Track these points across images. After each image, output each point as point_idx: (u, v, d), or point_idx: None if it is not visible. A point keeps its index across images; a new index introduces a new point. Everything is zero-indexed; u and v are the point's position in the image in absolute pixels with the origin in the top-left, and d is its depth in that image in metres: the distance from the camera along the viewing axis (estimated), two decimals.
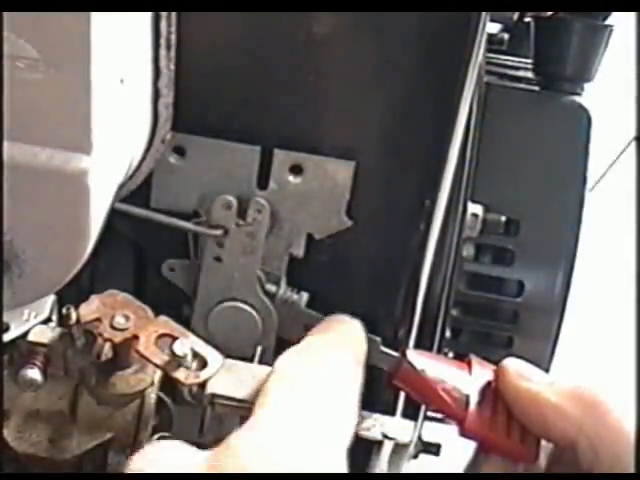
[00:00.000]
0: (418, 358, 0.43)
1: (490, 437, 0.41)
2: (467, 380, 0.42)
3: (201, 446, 0.33)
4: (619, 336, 1.60)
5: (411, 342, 0.56)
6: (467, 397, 0.41)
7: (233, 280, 0.51)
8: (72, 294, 0.47)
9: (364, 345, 0.42)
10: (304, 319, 0.51)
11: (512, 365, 0.42)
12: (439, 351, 0.65)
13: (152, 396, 0.50)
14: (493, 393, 0.42)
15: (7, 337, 0.48)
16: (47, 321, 0.50)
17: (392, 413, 0.57)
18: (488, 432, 0.41)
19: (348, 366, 0.40)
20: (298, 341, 0.40)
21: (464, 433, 0.42)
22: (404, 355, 0.43)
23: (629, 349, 1.41)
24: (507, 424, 0.41)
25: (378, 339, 0.48)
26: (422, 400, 0.44)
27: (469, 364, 0.43)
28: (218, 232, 0.49)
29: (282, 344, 0.51)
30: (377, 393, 0.56)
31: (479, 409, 0.41)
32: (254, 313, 0.52)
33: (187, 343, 0.43)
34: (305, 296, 0.51)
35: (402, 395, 0.59)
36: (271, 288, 0.51)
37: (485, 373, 0.42)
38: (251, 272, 0.50)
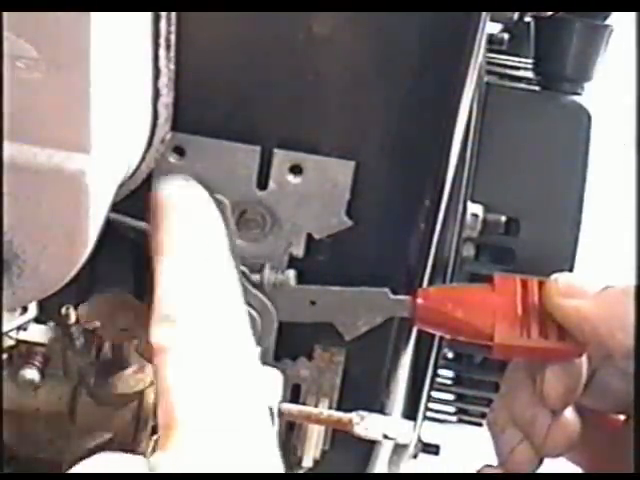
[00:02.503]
0: (431, 294, 0.43)
1: (525, 344, 0.40)
2: (490, 297, 0.41)
3: None
4: None
5: (412, 338, 0.56)
6: (493, 313, 0.40)
7: None
8: (72, 294, 0.47)
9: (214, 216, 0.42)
10: (300, 295, 0.50)
11: (560, 282, 0.41)
12: (439, 351, 0.65)
13: (151, 396, 0.50)
14: (522, 302, 0.41)
15: None
16: (45, 321, 0.50)
17: (391, 413, 0.57)
18: (521, 340, 0.40)
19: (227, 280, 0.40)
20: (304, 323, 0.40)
21: (497, 349, 0.41)
22: (416, 296, 0.43)
23: None
24: (542, 329, 0.40)
25: (386, 290, 0.47)
26: (449, 333, 0.44)
27: (491, 281, 0.42)
28: None
29: (289, 328, 0.51)
30: (377, 393, 0.56)
31: (509, 321, 0.40)
32: (252, 312, 0.52)
33: None
34: (292, 273, 0.51)
35: (401, 395, 0.59)
36: (256, 277, 0.51)
37: (509, 284, 0.42)
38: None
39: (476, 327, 0.41)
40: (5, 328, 0.48)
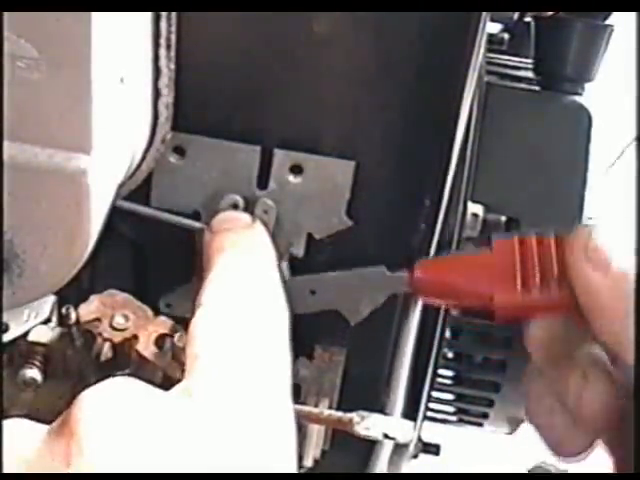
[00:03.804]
0: (429, 265, 0.43)
1: (525, 302, 0.40)
2: (488, 260, 0.41)
3: None
4: None
5: (412, 338, 0.56)
6: (491, 276, 0.40)
7: None
8: (72, 294, 0.47)
9: (272, 249, 0.44)
10: (298, 286, 0.50)
11: (583, 241, 0.39)
12: (439, 351, 0.65)
13: None
14: (521, 260, 0.40)
15: (7, 337, 0.48)
16: (47, 321, 0.50)
17: (391, 413, 0.57)
18: (521, 298, 0.39)
19: (272, 285, 0.41)
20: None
21: (498, 311, 0.40)
22: (413, 270, 0.43)
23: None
24: (543, 283, 0.39)
25: (383, 267, 0.48)
26: (450, 302, 0.44)
27: (489, 243, 0.42)
28: None
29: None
30: (377, 393, 0.56)
31: (508, 281, 0.40)
32: None
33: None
34: (284, 265, 0.51)
35: (401, 395, 0.59)
36: None
37: (507, 245, 0.41)
38: None
39: (475, 292, 0.41)
40: (19, 331, 0.48)
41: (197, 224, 0.48)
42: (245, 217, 0.47)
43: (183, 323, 0.46)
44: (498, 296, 0.40)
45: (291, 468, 0.33)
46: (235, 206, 0.48)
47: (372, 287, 0.48)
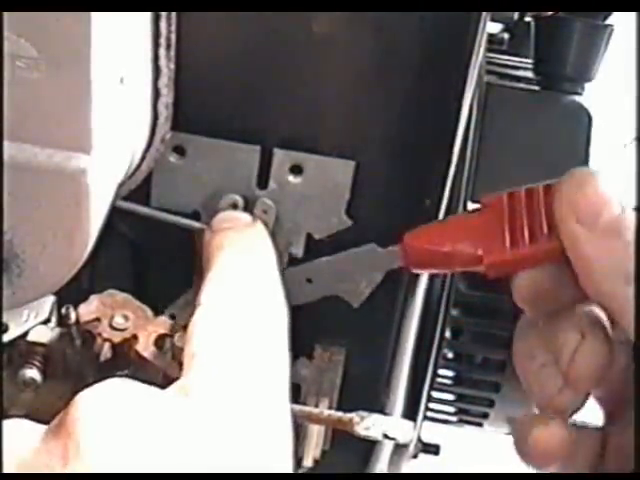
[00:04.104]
0: (418, 235, 0.42)
1: (514, 256, 0.39)
2: (476, 220, 0.40)
3: None
4: None
5: (412, 338, 0.56)
6: (479, 236, 0.39)
7: None
8: (72, 294, 0.47)
9: (272, 248, 0.44)
10: (294, 277, 0.50)
11: (572, 193, 0.37)
12: (439, 351, 0.65)
13: None
14: (509, 215, 0.39)
15: (6, 337, 0.48)
16: (46, 321, 0.50)
17: (391, 413, 0.57)
18: (510, 253, 0.39)
19: (271, 284, 0.41)
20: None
21: (488, 269, 0.39)
22: (403, 241, 0.43)
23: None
24: (531, 234, 0.39)
25: (373, 244, 0.48)
26: (443, 269, 0.44)
27: (481, 202, 0.41)
28: None
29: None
30: (377, 393, 0.56)
31: (496, 238, 0.39)
32: None
33: None
34: (283, 258, 0.51)
35: (401, 395, 0.59)
36: None
37: (496, 202, 0.40)
38: None
39: (465, 254, 0.40)
40: (19, 331, 0.48)
41: (196, 224, 0.48)
42: (245, 216, 0.47)
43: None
44: (487, 256, 0.39)
45: (287, 467, 0.33)
46: (235, 206, 0.48)
47: (368, 266, 0.48)
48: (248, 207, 0.49)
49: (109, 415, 0.31)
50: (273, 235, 0.49)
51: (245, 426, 0.33)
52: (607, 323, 0.40)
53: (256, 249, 0.44)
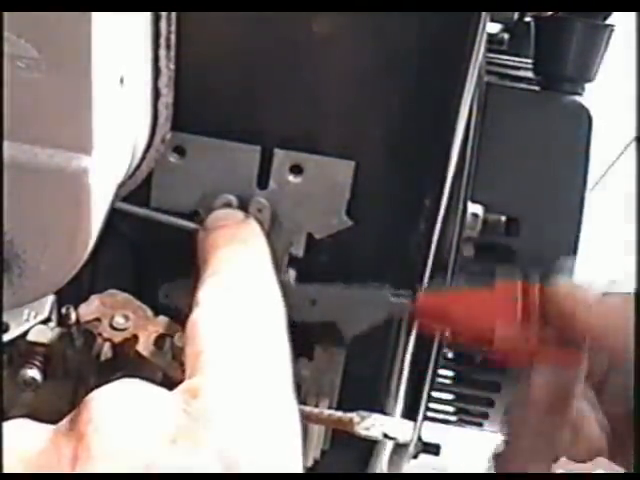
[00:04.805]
0: (432, 297, 0.43)
1: (524, 349, 0.40)
2: (491, 300, 0.42)
3: None
4: None
5: (412, 338, 0.56)
6: (492, 317, 0.41)
7: None
8: (72, 294, 0.47)
9: (266, 244, 0.45)
10: (300, 294, 0.50)
11: (562, 290, 0.42)
12: (439, 351, 0.65)
13: None
14: (523, 306, 0.41)
15: (7, 337, 0.48)
16: (47, 321, 0.50)
17: (391, 413, 0.57)
18: (520, 344, 0.40)
19: (267, 279, 0.41)
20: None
21: (496, 352, 0.41)
22: (416, 299, 0.44)
23: None
24: (542, 333, 0.40)
25: (387, 289, 0.48)
26: (449, 335, 0.44)
27: (492, 285, 0.42)
28: None
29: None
30: (377, 393, 0.56)
31: (509, 325, 0.41)
32: None
33: None
34: (292, 272, 0.51)
35: (401, 395, 0.59)
36: None
37: (510, 288, 0.42)
38: None
39: (476, 330, 0.41)
40: (19, 331, 0.48)
41: (192, 224, 0.48)
42: (238, 214, 0.47)
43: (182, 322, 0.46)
44: (498, 340, 0.41)
45: (298, 466, 0.33)
46: (229, 205, 0.48)
47: (374, 307, 0.48)
48: (242, 206, 0.49)
49: (121, 418, 0.31)
50: (269, 234, 0.49)
51: (256, 426, 0.33)
52: (597, 404, 0.44)
53: (250, 245, 0.44)
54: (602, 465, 0.46)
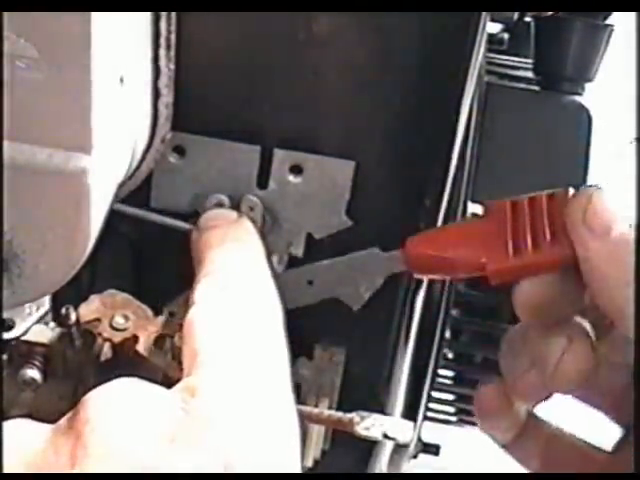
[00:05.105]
0: (420, 240, 0.42)
1: (518, 263, 0.39)
2: (479, 227, 0.41)
3: None
4: None
5: (412, 338, 0.56)
6: (482, 242, 0.40)
7: None
8: (72, 294, 0.47)
9: (260, 242, 0.44)
10: (295, 278, 0.50)
11: (582, 205, 0.40)
12: (439, 351, 0.65)
13: None
14: (513, 222, 0.40)
15: (14, 333, 0.48)
16: (46, 322, 0.50)
17: (391, 413, 0.57)
18: (513, 260, 0.39)
19: (262, 277, 0.41)
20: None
21: (491, 276, 0.40)
22: (405, 246, 0.43)
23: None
24: (534, 242, 0.39)
25: (376, 249, 0.48)
26: (446, 274, 0.44)
27: (484, 208, 0.42)
28: None
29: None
30: (377, 393, 0.56)
31: (500, 245, 0.40)
32: None
33: None
34: (275, 258, 0.51)
35: (401, 395, 0.59)
36: None
37: (499, 209, 0.41)
38: None
39: (468, 260, 0.41)
40: (25, 326, 0.48)
41: (187, 225, 0.48)
42: (231, 213, 0.47)
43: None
44: (490, 263, 0.40)
45: (296, 466, 0.33)
46: (221, 205, 0.48)
47: (369, 270, 0.48)
48: (234, 206, 0.49)
49: (119, 417, 0.31)
50: (263, 233, 0.49)
51: (255, 425, 0.33)
52: (593, 334, 0.41)
53: (244, 244, 0.44)
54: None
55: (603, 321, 0.42)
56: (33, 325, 0.48)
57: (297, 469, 0.33)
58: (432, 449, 0.78)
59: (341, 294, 0.50)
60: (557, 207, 0.41)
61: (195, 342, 0.36)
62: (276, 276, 0.42)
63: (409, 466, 0.73)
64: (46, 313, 0.50)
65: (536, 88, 0.67)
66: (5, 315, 0.47)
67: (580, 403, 0.46)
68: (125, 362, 0.49)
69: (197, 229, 0.45)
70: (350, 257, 0.48)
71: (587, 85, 0.66)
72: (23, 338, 0.49)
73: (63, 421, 0.32)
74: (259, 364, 0.36)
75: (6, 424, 0.32)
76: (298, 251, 0.50)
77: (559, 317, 0.41)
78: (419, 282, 0.53)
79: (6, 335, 0.47)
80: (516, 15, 0.72)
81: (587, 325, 0.41)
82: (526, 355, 0.42)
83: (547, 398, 0.42)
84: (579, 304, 0.41)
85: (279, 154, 0.48)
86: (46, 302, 0.49)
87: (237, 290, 0.39)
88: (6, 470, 0.30)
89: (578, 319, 0.42)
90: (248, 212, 0.48)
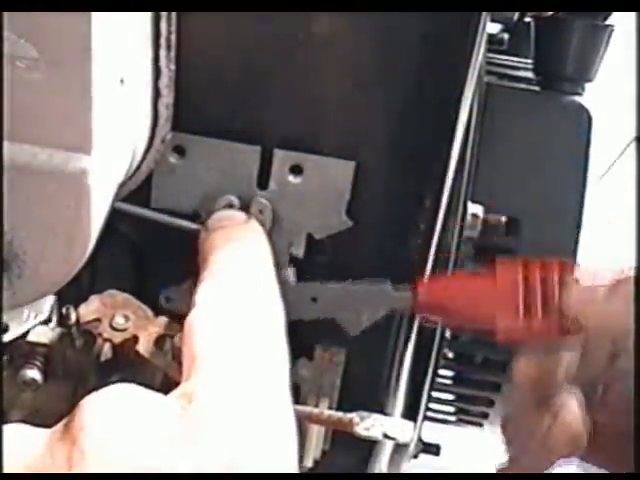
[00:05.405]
0: (432, 286, 0.43)
1: (527, 328, 0.40)
2: (491, 284, 0.41)
3: None
4: None
5: (412, 338, 0.56)
6: (494, 301, 0.40)
7: None
8: (72, 294, 0.47)
9: (267, 244, 0.44)
10: (300, 292, 0.50)
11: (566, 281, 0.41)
12: (439, 351, 0.65)
13: None
14: (524, 286, 0.41)
15: (7, 337, 0.48)
16: (47, 321, 0.50)
17: (391, 413, 0.57)
18: (523, 325, 0.40)
19: (266, 280, 0.41)
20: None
21: (500, 337, 0.41)
22: (416, 289, 0.43)
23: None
24: (544, 310, 0.40)
25: (387, 284, 0.48)
26: (452, 324, 0.44)
27: (493, 267, 0.42)
28: None
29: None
30: (377, 393, 0.56)
31: (510, 307, 0.40)
32: None
33: None
34: (291, 271, 0.51)
35: (401, 395, 0.59)
36: None
37: (510, 269, 0.42)
38: None
39: (478, 317, 0.41)
40: (19, 331, 0.48)
41: (193, 225, 0.48)
42: (240, 215, 0.47)
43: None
44: (500, 321, 0.40)
45: (294, 467, 0.33)
46: (231, 206, 0.48)
47: (374, 302, 0.48)
48: (244, 207, 0.49)
49: (114, 423, 0.31)
50: (273, 235, 0.49)
51: (252, 426, 0.33)
52: (583, 404, 0.43)
53: (250, 246, 0.44)
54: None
55: (596, 387, 0.42)
56: (29, 330, 0.48)
57: (294, 470, 0.33)
58: (432, 449, 0.78)
59: (342, 318, 0.50)
60: (567, 275, 0.42)
61: (194, 345, 0.36)
62: (283, 284, 0.42)
63: (409, 466, 0.73)
64: (45, 321, 0.50)
65: (536, 88, 0.67)
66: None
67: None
68: (125, 362, 0.49)
69: (205, 229, 0.45)
70: (359, 285, 0.49)
71: (587, 85, 0.66)
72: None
73: (59, 426, 0.32)
74: (257, 367, 0.35)
75: (5, 428, 0.32)
76: (298, 251, 0.50)
77: (553, 390, 0.42)
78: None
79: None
80: (516, 15, 0.72)
81: (578, 396, 0.42)
82: (522, 430, 0.43)
83: (549, 467, 0.43)
84: (572, 375, 0.42)
85: (279, 154, 0.48)
86: (45, 310, 0.49)
87: (239, 291, 0.39)
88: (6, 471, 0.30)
89: (567, 393, 0.43)
90: (257, 214, 0.48)
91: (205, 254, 0.43)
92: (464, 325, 0.43)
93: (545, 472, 0.45)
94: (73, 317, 0.46)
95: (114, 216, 0.44)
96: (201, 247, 0.44)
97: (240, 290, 0.40)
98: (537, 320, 0.40)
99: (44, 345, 0.48)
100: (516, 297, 0.41)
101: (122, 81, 0.39)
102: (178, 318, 0.47)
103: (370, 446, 0.58)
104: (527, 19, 0.71)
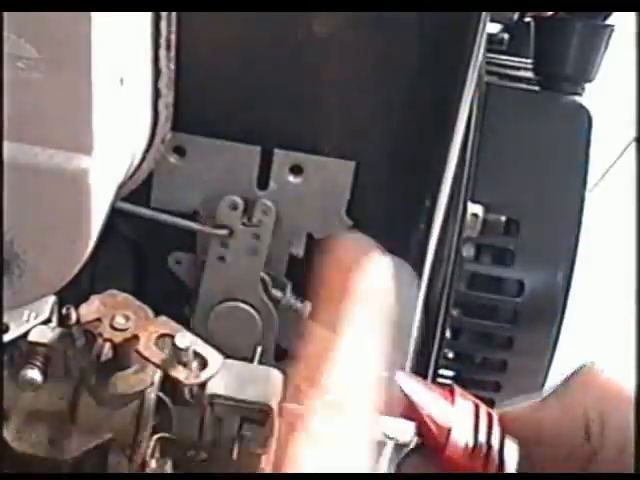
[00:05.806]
0: (406, 382, 0.44)
1: (470, 465, 0.41)
2: (449, 410, 0.43)
3: (200, 446, 0.33)
4: (619, 336, 1.60)
5: (411, 344, 0.56)
6: (449, 428, 0.42)
7: (235, 280, 0.51)
8: (72, 294, 0.47)
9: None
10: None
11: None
12: (439, 351, 0.65)
13: (152, 396, 0.50)
14: (474, 425, 0.42)
15: (7, 337, 0.48)
16: (47, 321, 0.50)
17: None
18: (467, 463, 0.41)
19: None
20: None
21: (443, 462, 0.42)
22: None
23: (629, 349, 1.41)
24: (487, 455, 0.41)
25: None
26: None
27: (452, 394, 0.43)
28: (224, 232, 0.49)
29: (280, 352, 0.51)
30: None
31: (459, 439, 0.42)
32: (254, 313, 0.52)
33: (188, 336, 0.43)
34: (309, 306, 0.51)
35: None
36: (277, 293, 0.51)
37: (467, 405, 0.43)
38: (254, 273, 0.50)
39: (433, 436, 0.42)
40: (19, 332, 0.48)
41: (193, 225, 0.48)
42: (363, 243, 0.37)
43: (183, 324, 0.46)
44: (449, 452, 0.41)
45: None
46: (234, 207, 0.48)
47: None
48: (248, 208, 0.49)
49: None
50: (273, 235, 0.49)
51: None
52: None
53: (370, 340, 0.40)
54: None
55: None
56: (29, 330, 0.48)
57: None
58: None
59: None
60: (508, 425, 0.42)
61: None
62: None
63: None
64: (45, 321, 0.50)
65: (536, 88, 0.67)
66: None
67: None
68: (125, 362, 0.49)
69: (329, 256, 0.36)
70: None
71: (587, 85, 0.66)
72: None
73: None
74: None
75: None
76: (298, 251, 0.50)
77: None
78: (418, 282, 0.54)
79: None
80: (516, 15, 0.72)
81: None
82: None
83: None
84: None
85: (279, 154, 0.48)
86: (46, 310, 0.49)
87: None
88: None
89: None
90: (261, 216, 0.48)
91: (335, 296, 0.35)
92: (420, 435, 0.44)
93: (545, 472, 0.45)
94: (73, 317, 0.46)
95: (114, 216, 0.44)
96: (324, 277, 0.36)
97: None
98: (481, 459, 0.41)
99: (44, 345, 0.48)
100: (467, 431, 0.42)
101: (122, 81, 0.39)
102: (178, 319, 0.47)
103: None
104: (527, 19, 0.71)
